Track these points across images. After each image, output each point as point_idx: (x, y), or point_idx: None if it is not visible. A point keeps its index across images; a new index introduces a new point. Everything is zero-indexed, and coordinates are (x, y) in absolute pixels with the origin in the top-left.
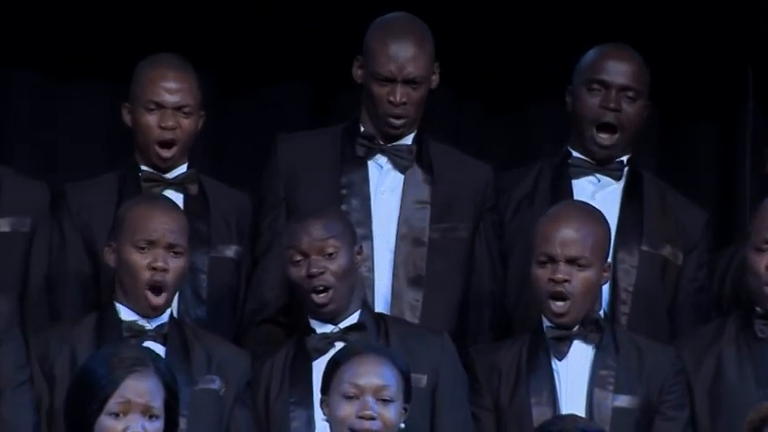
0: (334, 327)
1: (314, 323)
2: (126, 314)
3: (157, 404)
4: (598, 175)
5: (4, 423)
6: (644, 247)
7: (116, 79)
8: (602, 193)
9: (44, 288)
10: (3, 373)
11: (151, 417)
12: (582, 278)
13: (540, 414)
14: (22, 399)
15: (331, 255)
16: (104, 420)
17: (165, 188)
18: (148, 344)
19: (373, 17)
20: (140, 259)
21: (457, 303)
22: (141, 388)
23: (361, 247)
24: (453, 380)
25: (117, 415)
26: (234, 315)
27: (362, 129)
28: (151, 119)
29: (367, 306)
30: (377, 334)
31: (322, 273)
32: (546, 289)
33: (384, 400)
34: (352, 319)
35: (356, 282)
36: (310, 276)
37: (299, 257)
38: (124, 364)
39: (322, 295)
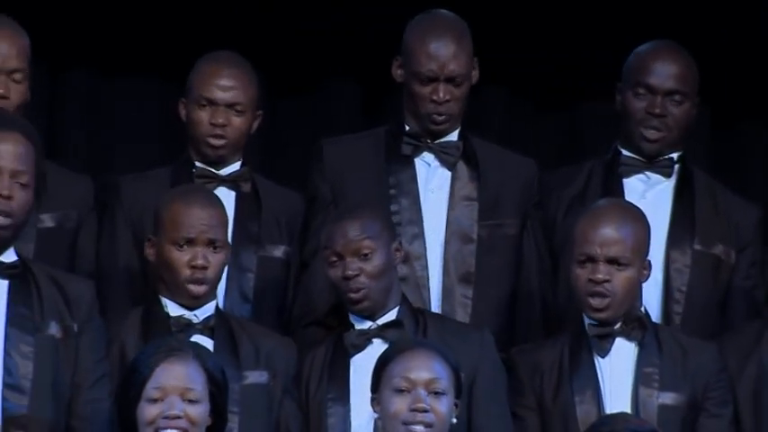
0: (371, 323)
1: (353, 319)
2: (172, 308)
3: (198, 388)
4: (648, 173)
5: (80, 419)
6: (696, 247)
7: (168, 76)
8: (652, 192)
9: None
10: (81, 366)
11: (191, 401)
12: (622, 278)
13: (584, 412)
14: (99, 393)
15: (366, 255)
16: (143, 407)
17: (218, 185)
18: (196, 337)
19: (412, 14)
20: (180, 257)
21: (506, 300)
22: (177, 371)
23: (400, 243)
24: (492, 376)
25: (155, 400)
26: (280, 315)
27: (407, 128)
28: (203, 115)
29: (407, 302)
30: (415, 330)
31: (357, 275)
32: (586, 289)
33: (436, 393)
34: (390, 315)
35: (394, 279)
36: (346, 278)
37: (334, 258)
38: (162, 350)
39: (356, 294)
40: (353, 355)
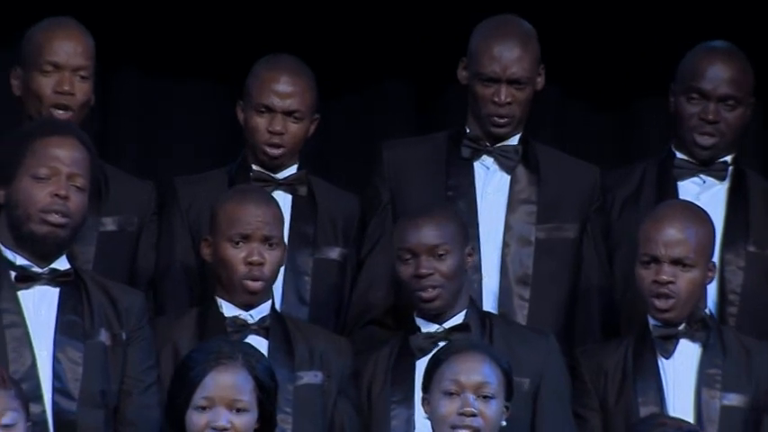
0: (438, 326)
1: (419, 322)
2: (228, 309)
3: (245, 398)
4: (702, 176)
5: (130, 426)
6: (750, 248)
7: (222, 78)
8: (706, 194)
9: (149, 287)
10: (130, 374)
11: (239, 410)
12: (687, 279)
13: (647, 413)
14: (149, 401)
15: (441, 256)
16: (191, 414)
17: (275, 189)
18: (251, 338)
19: (477, 18)
20: (236, 254)
21: (564, 302)
22: (225, 381)
23: (472, 247)
24: (556, 384)
25: (203, 409)
26: (336, 317)
27: (468, 131)
28: (260, 121)
29: (474, 306)
30: (482, 334)
31: (431, 274)
32: (650, 290)
33: (485, 397)
34: (458, 319)
35: (465, 282)
36: (418, 276)
37: (408, 256)
38: (212, 357)
39: (429, 291)
40: (419, 358)
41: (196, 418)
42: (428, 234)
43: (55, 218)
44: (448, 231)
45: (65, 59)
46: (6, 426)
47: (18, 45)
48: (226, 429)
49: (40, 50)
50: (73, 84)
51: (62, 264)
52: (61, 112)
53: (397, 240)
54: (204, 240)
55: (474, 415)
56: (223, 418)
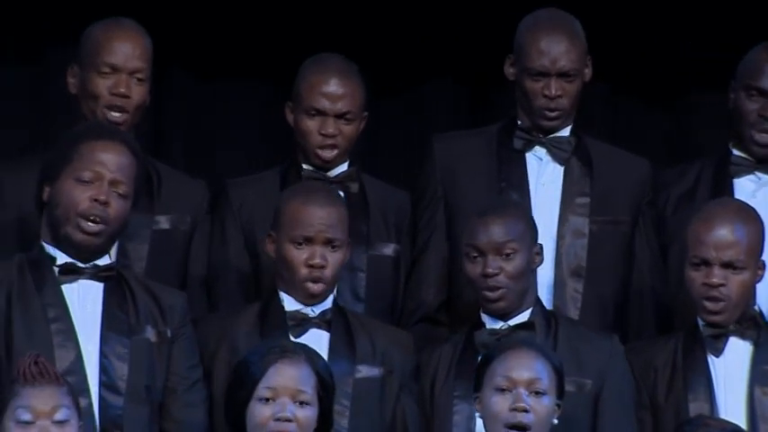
0: (503, 323)
1: (485, 318)
2: (289, 303)
3: (308, 391)
4: (759, 174)
5: (175, 423)
6: None
7: (271, 78)
8: (763, 191)
9: (202, 286)
10: (175, 372)
11: (301, 403)
12: (737, 281)
13: (696, 411)
14: (194, 398)
15: (508, 255)
16: (254, 406)
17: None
18: (313, 331)
19: (522, 14)
20: (298, 255)
21: (616, 296)
22: (290, 373)
23: (541, 246)
24: (620, 386)
25: (266, 400)
26: (392, 314)
27: (519, 123)
28: (312, 124)
29: (540, 304)
30: (546, 333)
31: (497, 273)
32: (700, 292)
33: (537, 393)
34: (523, 316)
35: (532, 281)
36: (485, 275)
37: (475, 254)
38: (275, 351)
39: (494, 292)
40: (483, 354)
41: (259, 410)
42: (496, 233)
43: (90, 226)
44: (516, 230)
45: (122, 61)
46: (59, 422)
47: (75, 44)
48: (289, 421)
49: (98, 51)
50: (129, 86)
51: (104, 259)
52: (116, 114)
53: (466, 237)
54: (268, 236)
55: (526, 411)
56: (288, 409)
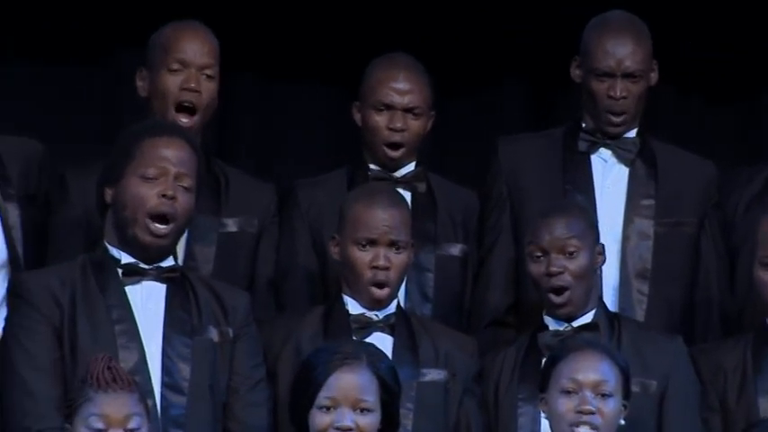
0: (567, 325)
1: (548, 320)
2: (353, 306)
3: (370, 398)
4: None
5: (238, 422)
6: None
7: (339, 80)
8: None
9: (269, 288)
10: (238, 371)
11: (363, 411)
12: None
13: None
14: (256, 398)
15: (572, 254)
16: (315, 414)
17: (394, 187)
18: (376, 335)
19: (589, 17)
20: (362, 257)
21: (682, 298)
22: (351, 381)
23: (603, 246)
24: (684, 387)
25: (327, 408)
26: (460, 314)
27: (584, 125)
28: (380, 120)
29: (603, 305)
30: (610, 334)
31: (561, 272)
32: None
33: (603, 395)
34: (587, 318)
35: (595, 281)
36: (549, 275)
37: (539, 253)
38: (337, 357)
39: (560, 296)
40: (546, 355)
41: (320, 419)
42: (559, 231)
43: (158, 228)
44: (579, 228)
45: (192, 57)
46: (132, 430)
47: (145, 47)
48: (350, 430)
49: (168, 49)
50: (199, 82)
51: (167, 260)
52: (185, 120)
53: (528, 237)
54: (332, 239)
55: (592, 413)
56: (347, 418)
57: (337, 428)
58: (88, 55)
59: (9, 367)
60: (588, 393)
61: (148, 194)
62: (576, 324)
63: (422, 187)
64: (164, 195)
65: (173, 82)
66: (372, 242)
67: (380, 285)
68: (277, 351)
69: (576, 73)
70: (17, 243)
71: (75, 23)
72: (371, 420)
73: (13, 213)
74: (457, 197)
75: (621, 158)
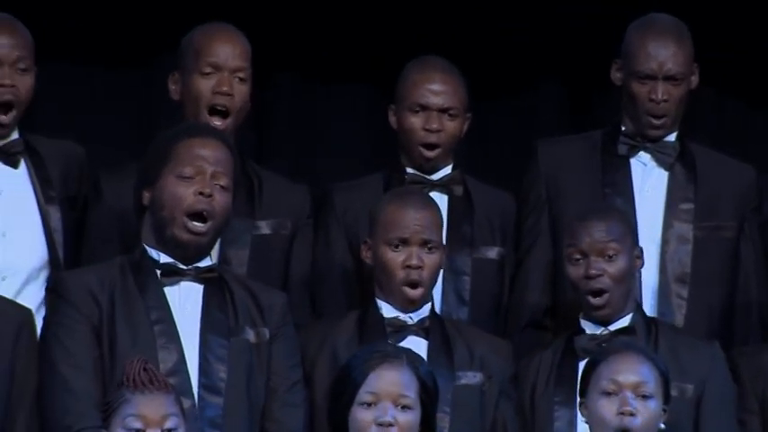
0: (603, 328)
1: (584, 323)
2: (387, 310)
3: (410, 395)
4: None
5: (275, 423)
6: None
7: (376, 81)
8: None
9: (304, 290)
10: (275, 372)
11: (403, 407)
12: None
13: None
14: (294, 399)
15: (611, 257)
16: (356, 411)
17: (431, 190)
18: (411, 338)
19: (628, 18)
20: (395, 257)
21: (722, 302)
22: (392, 378)
23: (641, 250)
24: (721, 392)
25: (368, 405)
26: (497, 317)
27: (624, 129)
28: (415, 121)
29: (640, 309)
30: (647, 339)
31: (600, 275)
32: None
33: (644, 397)
34: (624, 321)
35: (632, 285)
36: (588, 277)
37: (578, 256)
38: (377, 356)
39: (598, 299)
40: (583, 359)
41: (361, 415)
42: (598, 234)
43: (197, 226)
44: (618, 231)
45: (224, 60)
46: (169, 430)
47: (175, 51)
48: (391, 425)
49: (200, 52)
50: (232, 85)
51: (204, 261)
52: (218, 123)
53: (567, 240)
54: (364, 243)
55: (633, 414)
56: (389, 413)
57: (379, 424)
58: (125, 58)
59: (49, 365)
60: (629, 394)
61: (185, 193)
62: (612, 328)
63: (458, 190)
64: (201, 193)
65: (205, 85)
66: (404, 242)
67: (413, 285)
68: (313, 356)
69: (616, 75)
70: (58, 246)
71: (112, 27)
72: (411, 418)
73: (55, 216)
74: (494, 200)
75: (661, 162)
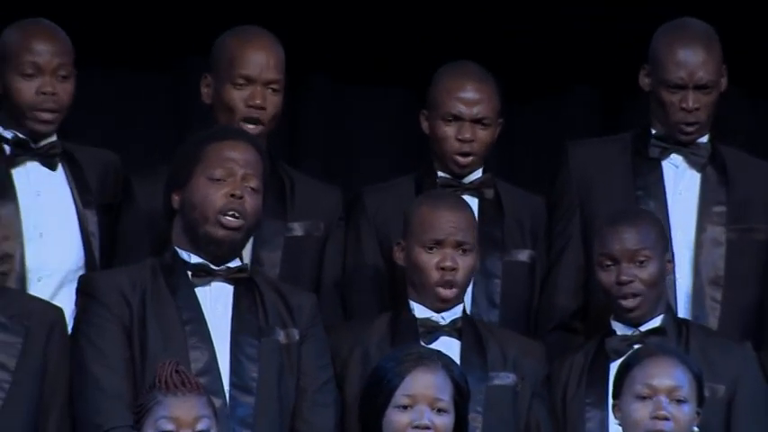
0: (634, 329)
1: (615, 324)
2: (420, 311)
3: (445, 398)
4: None
5: (306, 423)
6: None
7: (407, 83)
8: None
9: (336, 291)
10: (305, 372)
11: (439, 411)
12: None
13: None
14: (324, 398)
15: (642, 263)
16: (391, 413)
17: (462, 193)
18: (443, 339)
19: (657, 23)
20: (429, 259)
21: (755, 305)
22: (428, 381)
23: (672, 254)
24: (753, 392)
25: (404, 408)
26: (527, 320)
27: (653, 131)
28: (448, 130)
29: (671, 310)
30: (677, 339)
31: (631, 281)
32: None
33: (678, 401)
34: (654, 322)
35: (664, 288)
36: (620, 283)
37: (609, 262)
38: (411, 358)
39: (630, 301)
40: (614, 360)
41: (397, 417)
42: (629, 240)
43: (230, 221)
44: (649, 237)
45: (257, 73)
46: None
47: (205, 53)
48: (428, 428)
49: (233, 63)
50: (265, 97)
51: (235, 261)
52: (251, 126)
53: (598, 246)
54: (397, 244)
55: (667, 419)
56: (425, 416)
57: (416, 427)
58: (154, 60)
59: (80, 365)
60: (663, 399)
61: (216, 195)
62: (643, 329)
63: (489, 193)
64: (232, 195)
65: (239, 97)
66: (439, 243)
67: (448, 285)
68: (345, 357)
69: (645, 81)
70: (94, 249)
71: (141, 29)
72: (446, 421)
73: (92, 220)
74: (524, 203)
75: (693, 164)
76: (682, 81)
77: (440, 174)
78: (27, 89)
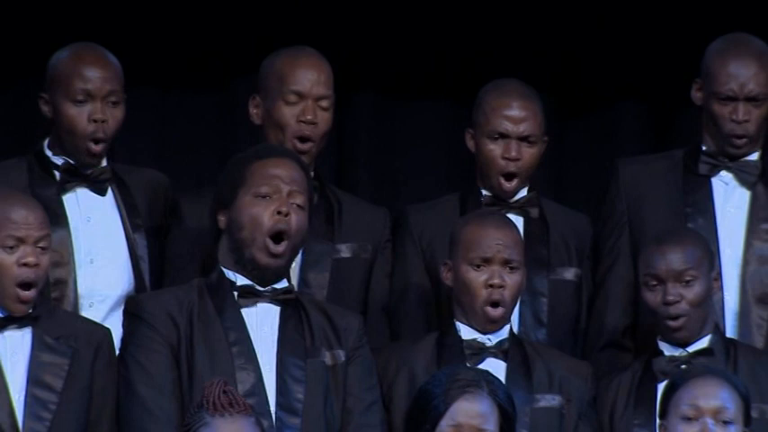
0: (682, 350)
1: (662, 345)
2: (466, 332)
3: (491, 427)
4: None
5: None
6: None
7: (454, 101)
8: None
9: (383, 314)
10: (351, 393)
11: None
12: None
13: None
14: (371, 420)
15: (688, 282)
16: None
17: (507, 211)
18: (489, 360)
19: (708, 38)
20: (477, 277)
21: None
22: (473, 410)
23: (719, 273)
24: None
25: None
26: (575, 338)
27: (704, 148)
28: (494, 148)
29: (718, 331)
30: (725, 360)
31: (678, 301)
32: None
33: (724, 422)
34: (702, 343)
35: (710, 308)
36: (666, 303)
37: (654, 282)
38: (457, 385)
39: (676, 321)
40: (662, 381)
41: None
42: (675, 260)
43: (276, 248)
44: (695, 257)
45: (308, 88)
46: None
47: (252, 73)
48: None
49: (283, 80)
50: (316, 113)
51: (281, 282)
52: (303, 143)
53: (643, 266)
54: (444, 264)
55: None
56: None
57: None
58: (202, 81)
59: (127, 385)
60: (709, 420)
61: (264, 213)
62: (690, 349)
63: (534, 212)
64: (279, 212)
65: (290, 113)
66: (486, 261)
67: (495, 304)
68: (391, 379)
69: (696, 95)
70: (144, 273)
71: (188, 50)
72: None
73: (141, 243)
74: (570, 221)
75: (743, 181)
76: (732, 93)
77: (484, 192)
78: (78, 116)
